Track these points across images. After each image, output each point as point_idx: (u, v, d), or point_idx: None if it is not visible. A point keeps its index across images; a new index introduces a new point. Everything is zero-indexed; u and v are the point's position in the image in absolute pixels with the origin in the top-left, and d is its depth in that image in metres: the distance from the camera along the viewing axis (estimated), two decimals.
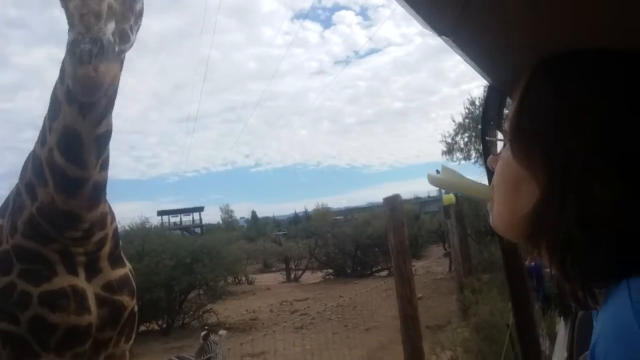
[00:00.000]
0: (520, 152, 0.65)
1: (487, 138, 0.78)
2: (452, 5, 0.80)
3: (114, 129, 2.30)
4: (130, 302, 2.57)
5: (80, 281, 2.35)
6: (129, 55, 2.17)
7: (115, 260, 2.57)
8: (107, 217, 2.46)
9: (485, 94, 1.68)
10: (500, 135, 0.79)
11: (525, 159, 0.64)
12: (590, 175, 0.57)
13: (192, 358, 5.79)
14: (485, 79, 1.61)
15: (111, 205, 2.56)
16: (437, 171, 0.94)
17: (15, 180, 2.47)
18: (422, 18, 0.78)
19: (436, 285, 14.71)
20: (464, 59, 1.29)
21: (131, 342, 2.75)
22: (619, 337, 0.51)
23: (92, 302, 2.36)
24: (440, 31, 0.88)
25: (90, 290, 2.38)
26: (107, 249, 2.48)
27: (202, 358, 4.72)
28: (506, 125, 0.71)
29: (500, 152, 0.73)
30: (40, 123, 2.28)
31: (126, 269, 2.65)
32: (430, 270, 18.15)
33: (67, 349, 2.34)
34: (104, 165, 2.32)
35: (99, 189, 2.32)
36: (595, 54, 0.66)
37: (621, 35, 0.69)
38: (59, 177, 2.20)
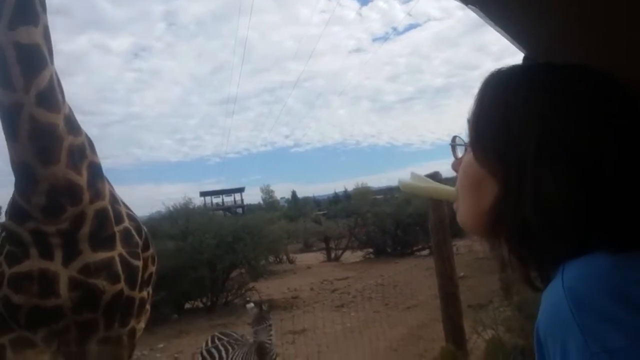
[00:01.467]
0: (480, 154, 0.74)
1: (450, 143, 0.83)
2: None
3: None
4: (110, 287, 2.48)
5: (54, 264, 2.35)
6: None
7: (100, 243, 2.48)
8: (81, 192, 2.36)
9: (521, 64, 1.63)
10: (459, 140, 0.85)
11: (485, 160, 0.73)
12: (542, 170, 0.65)
13: (234, 333, 5.94)
14: (519, 49, 1.56)
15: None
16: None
17: None
18: None
19: (478, 264, 14.50)
20: (495, 29, 1.25)
21: (129, 327, 2.70)
22: (553, 315, 0.57)
23: (63, 285, 2.35)
24: (467, 0, 0.86)
25: (65, 274, 2.36)
26: (86, 229, 2.41)
27: (261, 326, 4.81)
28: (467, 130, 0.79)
29: (462, 156, 0.82)
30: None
31: (113, 252, 2.54)
32: (472, 249, 17.89)
33: (36, 327, 2.41)
34: (42, 99, 2.18)
35: (42, 134, 2.19)
36: (540, 67, 0.78)
37: None
38: (1, 116, 2.17)
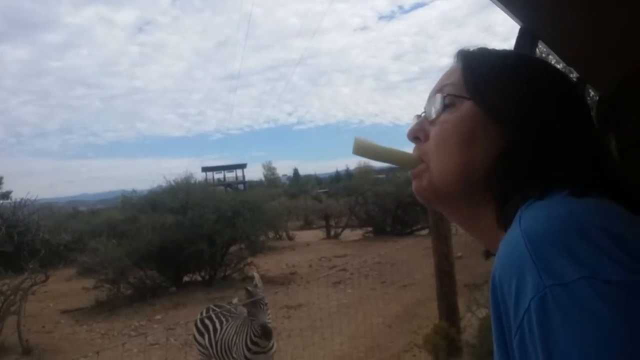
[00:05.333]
0: (497, 106, 0.74)
1: (447, 94, 0.80)
2: None
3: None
4: None
5: None
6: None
7: None
8: None
9: (517, 37, 1.60)
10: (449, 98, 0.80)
11: (498, 111, 0.73)
12: (562, 124, 0.71)
13: (227, 306, 5.98)
14: (516, 21, 1.54)
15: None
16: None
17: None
18: None
19: (476, 244, 13.97)
20: (493, 2, 1.23)
21: None
22: (509, 256, 0.57)
23: None
24: None
25: None
26: None
27: (253, 298, 4.84)
28: (453, 88, 0.78)
29: (432, 119, 0.80)
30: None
31: None
32: None
33: None
34: None
35: None
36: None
37: None
38: None
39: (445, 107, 0.78)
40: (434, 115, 0.80)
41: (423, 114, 0.83)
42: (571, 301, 0.49)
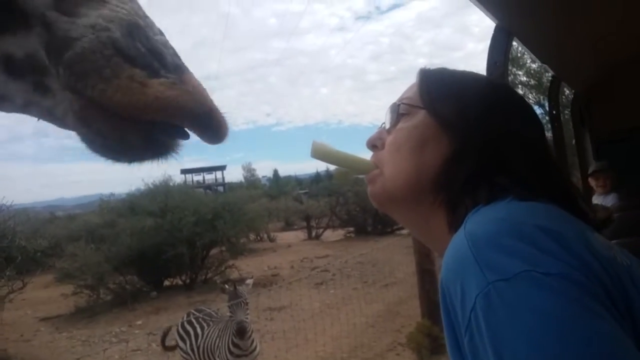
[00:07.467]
0: (448, 116, 0.78)
1: (403, 103, 0.86)
2: None
3: None
4: None
5: None
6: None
7: None
8: None
9: (492, 34, 1.62)
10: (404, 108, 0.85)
11: (449, 121, 0.77)
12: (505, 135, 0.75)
13: (208, 309, 5.94)
14: (491, 19, 1.55)
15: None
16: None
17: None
18: None
19: None
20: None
21: None
22: (454, 258, 0.59)
23: None
24: None
25: None
26: None
27: (235, 300, 4.83)
28: (409, 100, 0.83)
29: (390, 127, 0.84)
30: None
31: None
32: None
33: None
34: None
35: None
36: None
37: None
38: None
39: (401, 116, 0.83)
40: (390, 124, 0.85)
41: (383, 125, 0.88)
42: (514, 294, 0.51)
